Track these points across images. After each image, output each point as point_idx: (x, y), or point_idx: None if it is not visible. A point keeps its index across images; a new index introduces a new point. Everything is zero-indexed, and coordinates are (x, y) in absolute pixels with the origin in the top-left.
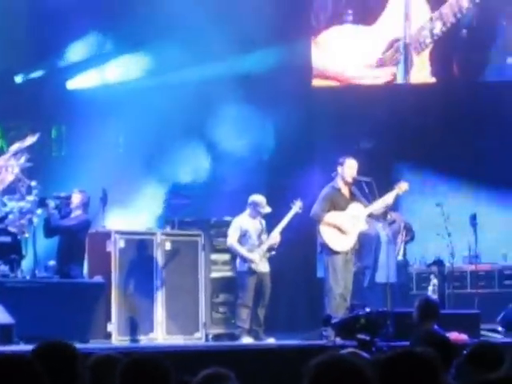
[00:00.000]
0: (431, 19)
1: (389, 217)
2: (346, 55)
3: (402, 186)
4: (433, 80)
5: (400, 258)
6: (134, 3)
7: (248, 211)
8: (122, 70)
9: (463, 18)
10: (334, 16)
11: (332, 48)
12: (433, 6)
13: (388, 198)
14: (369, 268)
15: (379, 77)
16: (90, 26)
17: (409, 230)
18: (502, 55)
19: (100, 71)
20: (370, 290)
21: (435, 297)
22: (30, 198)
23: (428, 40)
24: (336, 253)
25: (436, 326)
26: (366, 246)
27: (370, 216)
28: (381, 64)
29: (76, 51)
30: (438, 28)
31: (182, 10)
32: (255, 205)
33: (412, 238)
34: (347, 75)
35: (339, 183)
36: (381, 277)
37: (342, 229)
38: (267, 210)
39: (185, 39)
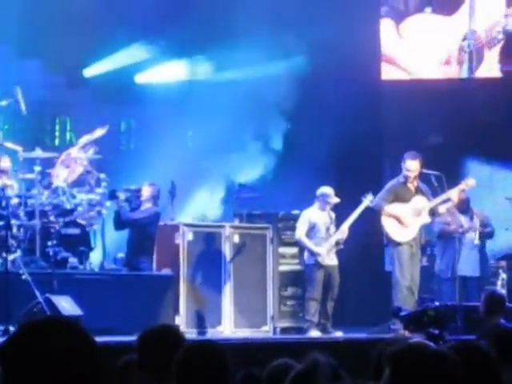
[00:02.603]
0: (506, 15)
1: (471, 210)
2: (419, 46)
3: (469, 182)
4: (500, 75)
5: (476, 242)
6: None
7: (317, 204)
8: (191, 67)
9: None
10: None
11: (408, 36)
12: (509, 2)
13: (451, 194)
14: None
15: (447, 72)
16: (157, 26)
17: (487, 225)
18: None
19: (168, 68)
20: (447, 282)
21: (504, 291)
22: (99, 190)
23: (500, 36)
24: (400, 245)
25: (503, 321)
26: (449, 239)
27: (443, 212)
28: (449, 60)
29: (144, 48)
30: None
31: (244, 11)
32: (324, 196)
33: (491, 235)
34: (416, 67)
35: (406, 176)
36: (462, 270)
37: (402, 220)
38: (336, 200)
39: (248, 39)
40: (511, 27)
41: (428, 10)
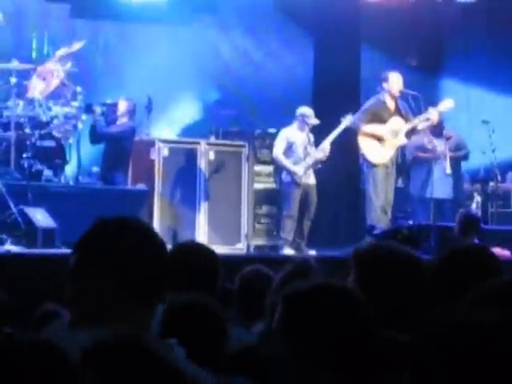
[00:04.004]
0: None
1: (445, 133)
2: None
3: (447, 103)
4: None
5: (448, 171)
6: None
7: (296, 124)
8: None
9: None
10: None
11: None
12: None
13: (431, 114)
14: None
15: None
16: None
17: (463, 147)
18: None
19: None
20: (421, 204)
21: (479, 214)
22: (75, 103)
23: None
24: (376, 165)
25: (477, 241)
26: (423, 162)
27: (420, 131)
28: None
29: None
30: None
31: None
32: (303, 116)
33: (466, 157)
34: None
35: (385, 96)
36: (435, 192)
37: (380, 139)
38: (315, 121)
39: None
40: None
41: None
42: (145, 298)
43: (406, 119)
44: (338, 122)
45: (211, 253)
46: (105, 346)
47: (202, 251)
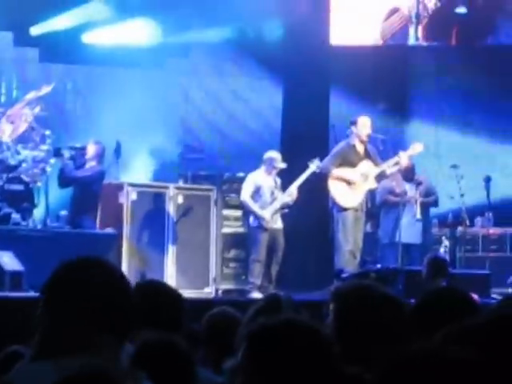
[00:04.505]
0: None
1: (416, 178)
2: (353, 18)
3: (417, 147)
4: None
5: (418, 216)
6: None
7: (263, 168)
8: (140, 30)
9: None
10: None
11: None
12: None
13: (400, 158)
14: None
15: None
16: None
17: (432, 193)
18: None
19: (118, 29)
20: (390, 248)
21: (447, 258)
22: (44, 147)
23: (423, 13)
24: (345, 209)
25: (445, 284)
26: (392, 206)
27: (390, 175)
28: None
29: (95, 8)
30: (432, 3)
31: None
32: (270, 160)
33: (435, 203)
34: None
35: (354, 140)
36: (404, 237)
37: (350, 183)
38: (282, 165)
39: (197, 3)
40: (432, 5)
41: None
42: (112, 334)
43: (376, 163)
44: (306, 167)
45: (174, 290)
46: (73, 376)
47: (166, 289)
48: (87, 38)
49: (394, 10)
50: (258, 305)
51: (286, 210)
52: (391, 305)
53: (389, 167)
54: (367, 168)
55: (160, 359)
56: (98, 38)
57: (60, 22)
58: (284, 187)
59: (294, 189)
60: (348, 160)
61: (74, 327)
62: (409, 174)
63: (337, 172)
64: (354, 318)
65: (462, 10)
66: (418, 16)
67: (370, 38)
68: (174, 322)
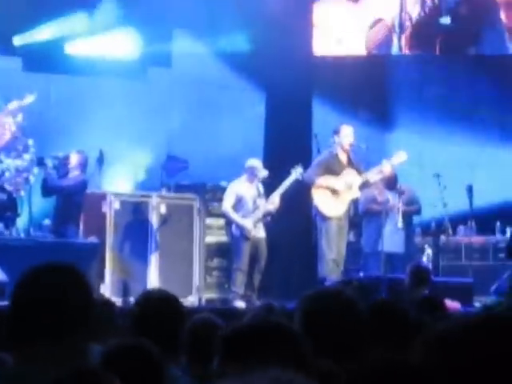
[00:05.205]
0: (412, 2)
1: (399, 187)
2: (336, 28)
3: (401, 156)
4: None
5: (400, 226)
6: None
7: (245, 176)
8: (123, 41)
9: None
10: None
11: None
12: None
13: (384, 167)
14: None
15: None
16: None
17: (415, 202)
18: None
19: (101, 40)
20: (372, 257)
21: (429, 266)
22: (27, 156)
23: (407, 23)
24: (329, 218)
25: (427, 292)
26: (374, 215)
27: (373, 184)
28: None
29: (78, 19)
30: (416, 12)
31: None
32: (252, 169)
33: (418, 212)
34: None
35: (337, 149)
36: (386, 245)
37: (334, 192)
38: (264, 173)
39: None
40: (416, 14)
41: None
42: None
43: (359, 172)
44: (289, 174)
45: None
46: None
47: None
48: (70, 48)
49: (378, 21)
50: (252, 313)
51: (269, 219)
52: (351, 310)
53: (372, 176)
54: (351, 177)
55: (129, 362)
56: (80, 48)
57: (43, 33)
58: (267, 195)
59: (276, 197)
60: (331, 169)
61: (42, 332)
62: (391, 183)
63: (320, 181)
64: (316, 322)
65: (446, 20)
66: (401, 26)
67: (353, 48)
68: (173, 332)
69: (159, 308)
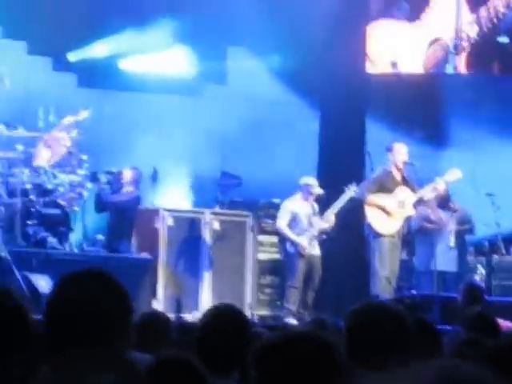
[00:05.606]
0: (469, 22)
1: (452, 206)
2: (392, 47)
3: (455, 173)
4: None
5: (452, 244)
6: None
7: (300, 194)
8: (177, 58)
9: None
10: (384, 8)
11: (381, 39)
12: (472, 7)
13: (438, 184)
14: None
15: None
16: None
17: (468, 221)
18: None
19: (155, 57)
20: (425, 275)
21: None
22: (81, 171)
23: (465, 43)
24: (382, 236)
25: (480, 310)
26: (428, 233)
27: (427, 202)
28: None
29: (132, 35)
30: (475, 32)
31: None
32: (307, 187)
33: (471, 231)
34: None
35: (391, 166)
36: (439, 264)
37: (387, 210)
38: (319, 191)
39: (236, 34)
40: (474, 34)
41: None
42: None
43: (413, 189)
44: (343, 192)
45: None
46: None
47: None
48: (124, 64)
49: (435, 40)
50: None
51: (324, 237)
52: (393, 321)
53: (426, 193)
54: (405, 195)
55: (174, 374)
56: (134, 65)
57: (97, 49)
58: (322, 213)
59: (331, 215)
60: (385, 186)
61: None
62: (444, 202)
63: (374, 198)
64: (361, 334)
65: (504, 39)
66: (456, 46)
67: (410, 67)
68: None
69: (226, 323)
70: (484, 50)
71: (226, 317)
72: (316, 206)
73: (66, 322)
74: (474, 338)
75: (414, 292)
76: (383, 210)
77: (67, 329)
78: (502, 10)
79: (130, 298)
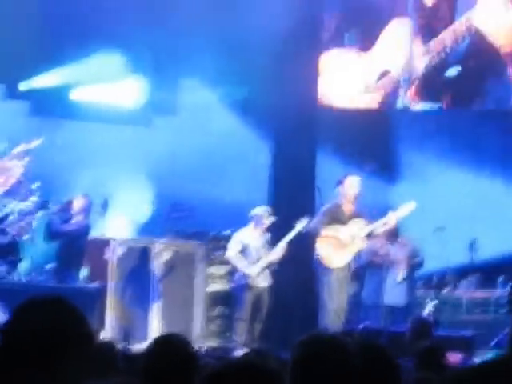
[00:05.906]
0: (420, 54)
1: (400, 240)
2: (342, 79)
3: (408, 207)
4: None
5: (400, 279)
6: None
7: (252, 224)
8: (128, 89)
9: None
10: (335, 37)
11: (330, 70)
12: (423, 39)
13: (389, 219)
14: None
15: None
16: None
17: (416, 255)
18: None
19: (106, 87)
20: (374, 309)
21: (431, 319)
22: (31, 200)
23: (414, 77)
24: (330, 269)
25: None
26: (376, 268)
27: (377, 236)
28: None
29: (84, 65)
30: (424, 65)
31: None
32: (258, 217)
33: (420, 265)
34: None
35: (342, 200)
36: (388, 298)
37: (341, 240)
38: (270, 220)
39: (187, 66)
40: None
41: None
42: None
43: (364, 223)
44: (293, 227)
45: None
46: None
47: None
48: (75, 94)
49: (384, 73)
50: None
51: (274, 268)
52: (340, 354)
53: (377, 228)
54: (357, 227)
55: None
56: (86, 94)
57: (49, 79)
58: (273, 243)
59: (280, 248)
60: (336, 220)
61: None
62: (393, 236)
63: (327, 230)
64: (307, 365)
65: (452, 72)
66: (407, 79)
67: (360, 100)
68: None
69: (172, 352)
70: (433, 83)
71: (171, 345)
72: (268, 236)
73: (17, 344)
74: (423, 377)
75: (362, 326)
76: (334, 242)
77: (18, 351)
78: (449, 43)
79: (85, 323)
